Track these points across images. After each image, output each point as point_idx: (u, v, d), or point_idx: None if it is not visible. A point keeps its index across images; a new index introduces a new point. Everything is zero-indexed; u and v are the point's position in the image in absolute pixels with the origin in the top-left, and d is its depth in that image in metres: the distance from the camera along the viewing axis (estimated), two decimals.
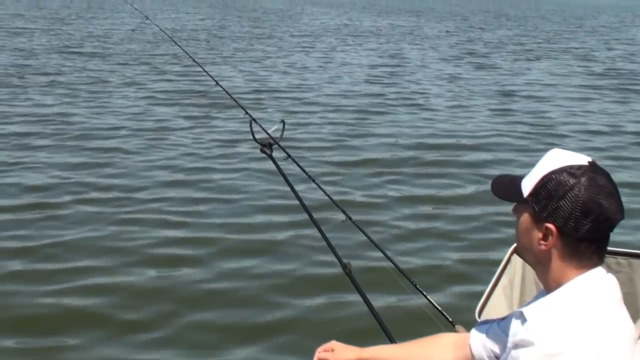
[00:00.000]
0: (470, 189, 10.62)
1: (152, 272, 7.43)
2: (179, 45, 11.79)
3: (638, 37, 47.81)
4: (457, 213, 9.58)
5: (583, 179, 2.19)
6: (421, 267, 7.76)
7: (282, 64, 25.70)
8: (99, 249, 7.93)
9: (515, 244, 2.46)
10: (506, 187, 2.40)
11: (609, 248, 2.32)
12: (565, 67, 27.86)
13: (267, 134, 4.95)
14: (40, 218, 8.84)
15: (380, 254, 4.51)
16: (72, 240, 8.15)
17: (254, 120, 4.87)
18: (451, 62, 27.80)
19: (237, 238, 8.48)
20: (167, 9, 69.72)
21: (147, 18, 15.87)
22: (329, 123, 15.05)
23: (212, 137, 13.51)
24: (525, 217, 2.31)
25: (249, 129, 4.69)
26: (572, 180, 2.19)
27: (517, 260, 4.04)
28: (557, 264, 2.25)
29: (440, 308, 3.99)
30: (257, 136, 4.58)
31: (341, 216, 4.71)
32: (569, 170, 2.21)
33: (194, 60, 10.40)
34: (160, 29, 13.81)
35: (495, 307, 3.76)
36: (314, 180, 5.19)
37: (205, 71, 9.53)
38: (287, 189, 4.34)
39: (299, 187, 4.30)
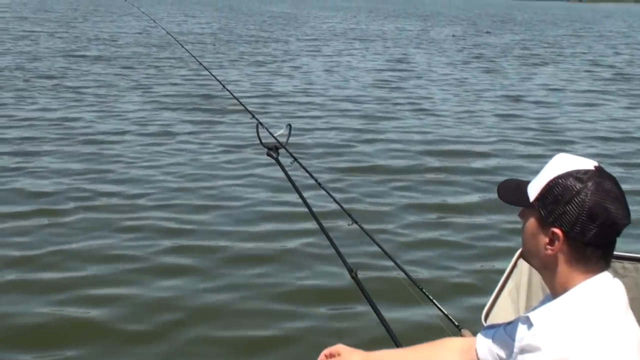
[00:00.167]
0: (476, 194, 10.56)
1: (156, 282, 7.31)
2: (185, 49, 11.75)
3: None
4: (463, 219, 9.54)
5: (589, 184, 2.19)
6: (428, 271, 7.74)
7: (288, 67, 25.72)
8: (102, 258, 7.81)
9: (521, 249, 2.46)
10: (512, 192, 2.40)
11: (615, 253, 2.31)
12: (574, 72, 27.78)
13: (274, 137, 4.94)
14: (43, 225, 8.73)
15: (386, 259, 4.49)
16: (75, 248, 8.03)
17: (260, 123, 4.86)
18: (458, 67, 27.78)
19: (243, 242, 8.43)
20: (174, 12, 69.83)
21: (155, 22, 15.89)
22: (335, 128, 15.02)
23: (218, 141, 13.50)
24: (532, 222, 2.31)
25: (254, 133, 4.67)
26: (578, 185, 2.19)
27: (523, 265, 4.03)
28: (563, 269, 2.25)
29: (446, 312, 3.98)
30: (263, 140, 4.57)
31: (347, 220, 4.69)
32: (576, 175, 2.21)
33: (200, 64, 10.38)
34: (167, 32, 13.81)
35: (502, 312, 3.75)
36: (320, 184, 5.17)
37: (212, 75, 9.51)
38: (293, 192, 4.33)
39: (304, 191, 4.29)
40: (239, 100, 7.71)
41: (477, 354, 2.72)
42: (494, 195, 2.55)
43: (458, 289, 7.45)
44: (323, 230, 3.95)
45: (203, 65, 10.05)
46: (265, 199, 10.14)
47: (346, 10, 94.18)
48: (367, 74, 24.67)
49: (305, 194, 4.25)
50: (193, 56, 11.00)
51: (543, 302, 2.40)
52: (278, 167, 4.47)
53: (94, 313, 6.66)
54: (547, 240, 2.26)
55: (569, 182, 2.21)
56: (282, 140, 4.73)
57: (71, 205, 9.48)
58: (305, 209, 4.17)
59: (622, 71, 28.78)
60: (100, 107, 16.28)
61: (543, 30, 60.80)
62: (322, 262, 7.83)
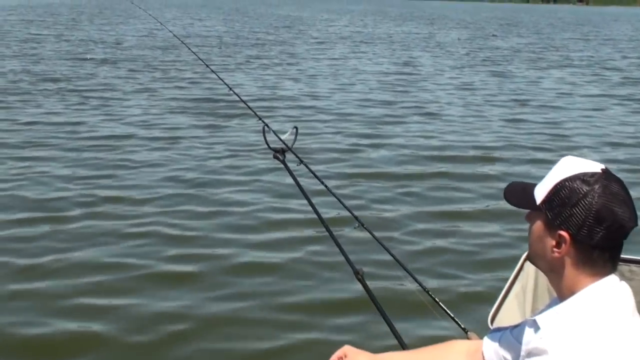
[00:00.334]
0: (484, 199, 10.50)
1: (160, 291, 7.19)
2: (193, 52, 11.75)
3: None
4: (469, 223, 9.50)
5: (596, 187, 2.19)
6: (434, 275, 7.72)
7: (294, 71, 25.74)
8: (106, 266, 7.68)
9: (527, 251, 2.46)
10: (519, 195, 2.40)
11: (622, 255, 2.31)
12: (581, 75, 27.66)
13: (280, 139, 4.94)
14: (46, 231, 8.62)
15: (392, 262, 4.50)
16: (79, 256, 7.89)
17: (267, 126, 4.87)
18: (465, 70, 27.74)
19: (248, 247, 8.40)
20: (180, 15, 69.92)
21: (161, 24, 15.90)
22: (342, 132, 14.99)
23: (224, 144, 13.49)
24: (538, 225, 2.31)
25: (261, 137, 4.67)
26: (585, 188, 2.19)
27: (529, 267, 4.03)
28: (570, 272, 2.25)
29: (452, 315, 3.97)
30: (269, 143, 4.57)
31: (354, 223, 4.69)
32: (583, 178, 2.21)
33: (207, 66, 10.38)
34: (174, 35, 13.83)
35: (508, 314, 3.75)
36: (326, 186, 5.17)
37: (220, 77, 9.51)
38: (300, 195, 4.33)
39: (310, 194, 4.29)
40: (245, 103, 7.70)
41: (483, 357, 2.72)
42: (502, 201, 2.55)
43: (464, 292, 7.43)
44: (329, 232, 3.96)
45: (210, 68, 10.03)
46: (271, 202, 10.13)
47: (352, 14, 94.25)
48: (373, 77, 24.66)
49: (312, 197, 4.25)
50: (200, 59, 10.99)
51: (550, 305, 2.40)
52: (284, 170, 4.47)
53: (97, 323, 6.53)
54: (554, 243, 2.25)
55: (575, 185, 2.21)
56: (289, 142, 4.73)
57: (76, 211, 9.38)
58: (312, 212, 4.17)
59: (630, 75, 28.66)
60: (105, 111, 16.29)
61: (550, 33, 60.75)
62: (329, 266, 7.81)
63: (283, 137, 4.92)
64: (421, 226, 9.31)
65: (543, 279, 3.97)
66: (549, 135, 15.45)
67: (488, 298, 6.15)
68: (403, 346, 3.28)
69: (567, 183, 2.23)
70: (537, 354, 2.18)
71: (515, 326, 2.60)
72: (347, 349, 2.85)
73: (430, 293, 4.18)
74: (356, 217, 4.66)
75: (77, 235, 8.52)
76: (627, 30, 71.92)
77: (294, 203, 9.74)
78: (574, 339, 2.13)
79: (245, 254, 8.19)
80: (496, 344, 2.67)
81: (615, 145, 14.92)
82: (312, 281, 7.65)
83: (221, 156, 12.60)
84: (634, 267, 3.98)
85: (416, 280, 4.27)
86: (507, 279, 4.04)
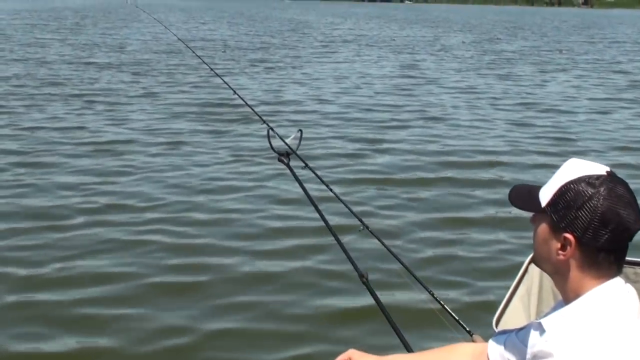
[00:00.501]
0: (488, 202, 10.50)
1: (164, 301, 7.06)
2: (197, 56, 11.77)
3: None
4: (474, 226, 9.51)
5: (602, 189, 2.18)
6: (439, 278, 7.72)
7: (299, 74, 25.77)
8: (107, 276, 7.56)
9: (532, 254, 2.46)
10: (524, 197, 2.40)
11: (627, 258, 2.31)
12: (587, 79, 27.57)
13: (285, 143, 4.95)
14: (48, 240, 8.52)
15: (397, 264, 4.50)
16: (80, 266, 7.79)
17: (272, 129, 4.87)
18: (470, 74, 27.71)
19: (252, 252, 8.39)
20: (184, 19, 70.02)
21: (166, 27, 15.93)
22: (346, 136, 14.98)
23: (229, 148, 13.51)
24: (543, 227, 2.31)
25: (265, 141, 4.66)
26: (590, 190, 2.19)
27: (534, 270, 4.03)
28: (575, 274, 2.25)
29: (457, 317, 3.97)
30: (274, 146, 4.56)
31: (358, 226, 4.69)
32: (588, 180, 2.21)
33: (211, 70, 10.39)
34: (179, 39, 13.85)
35: (513, 317, 3.74)
36: (331, 190, 5.17)
37: (224, 81, 9.51)
38: (304, 199, 4.33)
39: (315, 197, 4.29)
40: (250, 107, 7.68)
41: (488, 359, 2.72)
42: (508, 207, 2.55)
43: (470, 295, 7.44)
44: (334, 235, 3.95)
45: (215, 72, 10.04)
46: (275, 205, 10.15)
47: (356, 17, 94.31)
48: (378, 81, 24.67)
49: (316, 200, 4.25)
50: (205, 62, 11.00)
51: (555, 308, 2.39)
52: (289, 174, 4.47)
53: (99, 335, 6.44)
54: (559, 245, 2.25)
55: (581, 187, 2.21)
56: (293, 146, 4.73)
57: (78, 219, 9.26)
58: (316, 215, 4.17)
59: (636, 78, 28.53)
60: (109, 115, 16.29)
61: (555, 36, 60.71)
62: (333, 269, 7.82)
63: (287, 140, 4.92)
64: (426, 231, 9.31)
65: (548, 281, 3.97)
66: (555, 140, 15.36)
67: (493, 301, 6.16)
68: (408, 349, 3.27)
69: (572, 185, 2.23)
70: (543, 356, 2.18)
71: (521, 329, 2.60)
72: (352, 352, 2.85)
73: (435, 296, 4.18)
74: (361, 220, 4.65)
75: (78, 244, 8.41)
76: (633, 33, 71.82)
77: (298, 207, 9.73)
78: (580, 341, 2.13)
79: (248, 257, 8.19)
80: (501, 347, 2.66)
81: (621, 149, 14.80)
82: (315, 284, 7.65)
83: (225, 160, 12.60)
84: (639, 269, 3.97)
85: (421, 283, 4.27)
86: (511, 277, 4.04)
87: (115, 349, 6.24)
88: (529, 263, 4.04)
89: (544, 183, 2.35)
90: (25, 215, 9.38)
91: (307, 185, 4.33)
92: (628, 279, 2.87)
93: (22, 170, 11.46)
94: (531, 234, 2.39)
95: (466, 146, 14.28)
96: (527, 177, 12.10)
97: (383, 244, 4.55)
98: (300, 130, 4.66)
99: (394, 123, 16.65)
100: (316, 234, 8.52)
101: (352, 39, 48.25)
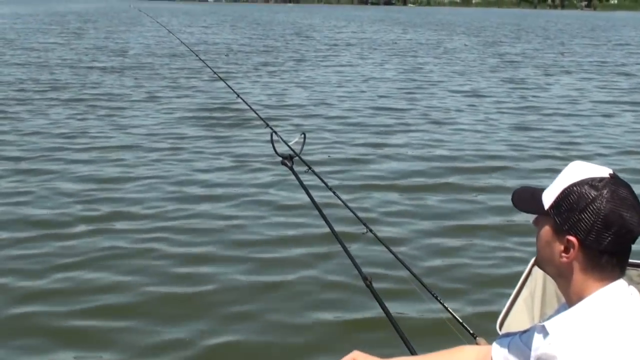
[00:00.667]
0: (492, 207, 10.47)
1: (166, 312, 6.91)
2: (201, 59, 11.73)
3: None
4: (480, 228, 9.51)
5: (605, 192, 2.19)
6: (443, 281, 7.72)
7: (302, 78, 25.75)
8: (108, 287, 7.41)
9: (536, 256, 2.46)
10: (527, 200, 2.40)
11: (630, 260, 2.32)
12: (592, 82, 27.45)
13: (288, 146, 4.95)
14: (49, 246, 8.46)
15: (401, 268, 4.50)
16: (80, 276, 7.68)
17: (275, 132, 4.88)
18: (473, 77, 27.64)
19: (257, 255, 8.39)
20: (187, 22, 70.08)
21: (169, 31, 15.92)
22: (350, 140, 14.93)
23: (232, 151, 13.51)
24: (546, 230, 2.31)
25: (268, 145, 4.66)
26: (593, 193, 2.20)
27: (538, 273, 4.03)
28: (578, 277, 2.25)
29: (461, 320, 3.98)
30: (277, 149, 4.56)
31: (362, 229, 4.69)
32: (591, 183, 2.21)
33: (215, 73, 10.38)
34: (182, 42, 13.84)
35: (517, 320, 3.75)
36: (334, 192, 5.18)
37: (227, 84, 9.51)
38: (307, 202, 4.33)
39: (319, 200, 4.30)
40: (254, 110, 7.65)
41: None
42: (511, 211, 2.55)
43: (472, 292, 7.45)
44: (337, 238, 3.95)
45: (218, 75, 10.03)
46: (279, 205, 10.18)
47: (359, 20, 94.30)
48: (382, 84, 24.63)
49: (319, 203, 4.25)
50: (208, 66, 10.99)
51: (559, 311, 2.40)
52: (292, 178, 4.47)
53: (100, 349, 6.35)
54: (562, 248, 2.26)
55: (583, 190, 2.21)
56: (297, 149, 4.73)
57: (79, 227, 9.11)
58: (319, 219, 4.17)
59: None
60: (111, 120, 16.24)
61: (558, 38, 60.63)
62: (336, 266, 7.84)
63: (291, 143, 4.93)
64: (430, 235, 9.29)
65: (551, 284, 3.97)
66: (559, 143, 15.23)
67: (497, 305, 6.16)
68: (412, 351, 3.28)
69: (575, 188, 2.23)
70: (547, 359, 2.18)
71: (524, 332, 2.60)
72: (356, 354, 2.85)
73: (439, 299, 4.19)
74: (364, 223, 4.66)
75: (79, 253, 8.25)
76: (637, 35, 71.68)
77: (301, 211, 9.72)
78: (583, 344, 2.13)
79: (252, 265, 8.12)
80: (505, 350, 2.67)
81: (626, 152, 14.67)
82: (319, 292, 7.64)
83: (228, 166, 12.56)
84: None
85: (425, 287, 4.27)
86: (514, 281, 4.04)
87: None
88: (533, 266, 4.05)
89: (547, 186, 2.36)
90: (24, 223, 9.24)
91: (310, 189, 4.33)
92: (631, 281, 2.88)
93: (22, 177, 11.36)
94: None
95: (470, 150, 14.19)
96: (532, 182, 11.90)
97: (387, 247, 4.56)
98: (304, 134, 4.66)
99: (398, 127, 16.59)
100: (320, 238, 8.52)
101: (356, 42, 48.24)
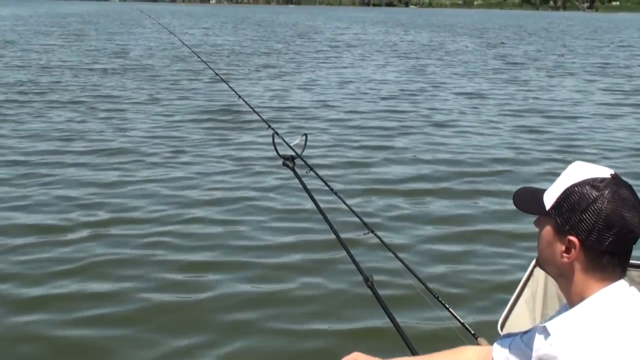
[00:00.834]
0: (493, 208, 10.47)
1: (166, 322, 6.77)
2: (202, 60, 11.74)
3: None
4: (481, 230, 9.47)
5: (606, 192, 2.19)
6: (444, 282, 7.70)
7: (304, 80, 25.75)
8: (106, 295, 7.23)
9: (537, 257, 2.46)
10: (528, 200, 2.41)
11: (631, 261, 2.32)
12: (595, 83, 27.38)
13: (290, 147, 4.95)
14: (46, 252, 8.30)
15: (402, 268, 4.50)
16: (78, 283, 7.50)
17: (277, 133, 4.88)
18: (476, 79, 27.58)
19: (257, 255, 8.35)
20: (189, 24, 70.11)
21: (171, 32, 15.92)
22: (351, 142, 14.87)
23: (233, 153, 13.48)
24: (548, 230, 2.32)
25: (269, 146, 4.66)
26: (595, 193, 2.20)
27: (539, 273, 4.04)
28: (579, 277, 2.26)
29: (462, 321, 3.98)
30: (279, 150, 4.56)
31: (363, 231, 4.69)
32: (592, 183, 2.22)
33: (216, 74, 10.36)
34: (183, 43, 13.83)
35: (518, 320, 3.75)
36: (336, 193, 5.18)
37: (229, 86, 9.49)
38: (309, 202, 4.33)
39: (320, 200, 4.29)
40: (255, 111, 7.65)
41: None
42: (514, 214, 2.55)
43: (475, 297, 7.42)
44: (339, 239, 3.95)
45: (220, 76, 10.01)
46: (280, 206, 10.15)
47: (361, 22, 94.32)
48: (383, 86, 24.59)
49: (321, 205, 4.24)
50: (210, 68, 10.98)
51: (560, 311, 2.40)
52: (293, 180, 4.46)
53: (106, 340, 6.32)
54: (563, 248, 2.26)
55: (585, 190, 2.21)
56: (298, 150, 4.73)
57: (79, 232, 8.96)
58: (321, 220, 4.16)
59: None
60: (112, 123, 16.18)
61: (561, 40, 60.63)
62: (337, 267, 7.81)
63: (292, 144, 4.93)
64: (431, 237, 9.25)
65: (553, 284, 3.98)
66: (564, 146, 15.10)
67: (499, 305, 6.14)
68: (413, 352, 3.28)
69: (576, 188, 2.23)
70: None
71: (526, 332, 2.60)
72: (357, 355, 2.85)
73: (440, 299, 4.19)
74: (365, 224, 4.66)
75: (78, 259, 8.09)
76: (638, 36, 71.68)
77: (303, 213, 9.70)
78: (584, 345, 2.13)
79: (254, 270, 8.02)
80: (506, 350, 2.67)
81: (630, 155, 14.60)
82: (319, 277, 7.67)
83: (230, 168, 12.49)
84: None
85: (425, 286, 4.27)
86: (516, 281, 4.04)
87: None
88: (534, 267, 4.05)
89: (548, 187, 2.36)
90: (21, 228, 9.08)
91: (312, 190, 4.33)
92: (633, 282, 2.88)
93: (20, 181, 11.22)
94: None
95: (473, 153, 14.09)
96: (536, 185, 11.80)
97: (388, 247, 4.56)
98: (306, 135, 4.66)
99: (400, 129, 16.51)
100: (321, 240, 8.51)
101: (358, 43, 48.29)
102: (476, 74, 29.38)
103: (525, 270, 4.17)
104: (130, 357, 6.19)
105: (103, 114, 17.20)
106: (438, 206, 10.57)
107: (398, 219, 9.90)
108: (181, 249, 8.55)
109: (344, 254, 3.93)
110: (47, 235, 8.85)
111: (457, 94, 23.33)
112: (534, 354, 2.32)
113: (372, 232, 4.60)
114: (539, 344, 2.31)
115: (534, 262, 3.99)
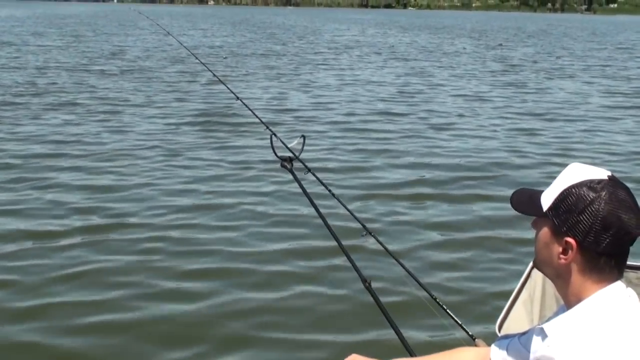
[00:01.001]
0: (492, 212, 10.45)
1: (167, 336, 6.62)
2: (201, 62, 11.65)
3: None
4: (480, 235, 9.45)
5: (603, 193, 2.19)
6: (442, 283, 7.70)
7: (302, 81, 25.74)
8: (103, 304, 7.09)
9: (534, 258, 2.46)
10: (526, 201, 2.41)
11: (628, 262, 2.32)
12: (594, 85, 27.36)
13: (288, 148, 4.95)
14: (42, 253, 8.21)
15: (400, 270, 4.49)
16: (77, 288, 7.41)
17: (274, 135, 4.88)
18: (474, 81, 27.57)
19: (255, 260, 8.29)
20: (187, 25, 70.12)
21: (169, 33, 15.88)
22: (349, 144, 14.84)
23: (232, 155, 13.46)
24: (545, 231, 2.32)
25: (267, 148, 4.65)
26: (592, 195, 2.20)
27: (537, 275, 4.04)
28: (576, 278, 2.26)
29: (460, 322, 3.97)
30: (277, 151, 4.55)
31: (361, 232, 4.68)
32: (589, 185, 2.22)
33: (214, 75, 10.31)
34: (181, 44, 13.81)
35: (516, 322, 3.75)
36: (333, 195, 5.16)
37: (228, 87, 9.43)
38: (307, 204, 4.33)
39: (318, 202, 4.29)
40: (253, 113, 7.61)
41: None
42: (509, 209, 2.54)
43: (472, 300, 7.42)
44: (337, 240, 3.95)
45: (218, 78, 9.95)
46: (278, 208, 10.12)
47: (359, 23, 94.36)
48: (382, 88, 24.56)
49: (319, 206, 4.23)
50: (209, 69, 10.88)
51: (557, 313, 2.40)
52: (291, 180, 4.46)
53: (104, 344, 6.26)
54: (560, 249, 2.26)
55: (582, 192, 2.21)
56: (296, 151, 4.73)
57: (76, 237, 8.82)
58: (319, 221, 4.16)
59: None
60: (108, 125, 16.08)
61: (558, 42, 60.68)
62: (335, 268, 7.79)
63: (290, 145, 4.92)
64: (430, 239, 9.24)
65: (550, 286, 3.97)
66: (563, 149, 15.05)
67: (496, 306, 6.14)
68: (411, 353, 3.28)
69: (573, 190, 2.24)
70: None
71: (523, 334, 2.61)
72: (355, 357, 2.85)
73: (437, 300, 4.19)
74: (364, 225, 4.65)
75: (71, 266, 7.91)
76: (638, 39, 71.70)
77: (300, 212, 9.70)
78: (581, 346, 2.13)
79: (249, 272, 7.99)
80: (504, 352, 2.67)
81: (628, 159, 14.58)
82: (317, 279, 7.66)
83: (228, 167, 12.52)
84: None
85: (424, 288, 4.27)
86: (513, 283, 4.04)
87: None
88: (532, 268, 4.05)
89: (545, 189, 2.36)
90: (15, 234, 8.90)
91: (309, 191, 4.33)
92: (630, 283, 2.88)
93: (14, 185, 11.07)
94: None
95: (472, 157, 14.03)
96: (535, 181, 11.90)
97: (385, 248, 4.55)
98: (303, 136, 4.66)
99: (398, 132, 16.46)
100: (318, 240, 8.50)
101: (357, 45, 48.30)
102: (474, 76, 29.39)
103: (524, 271, 4.18)
104: None
105: (99, 116, 17.11)
106: (440, 210, 10.51)
107: (395, 223, 9.84)
108: (177, 255, 8.38)
109: (341, 256, 3.92)
110: (40, 241, 8.67)
111: (455, 96, 23.31)
112: (532, 356, 2.32)
113: (369, 232, 4.59)
114: (536, 346, 2.31)
115: (531, 263, 3.99)
